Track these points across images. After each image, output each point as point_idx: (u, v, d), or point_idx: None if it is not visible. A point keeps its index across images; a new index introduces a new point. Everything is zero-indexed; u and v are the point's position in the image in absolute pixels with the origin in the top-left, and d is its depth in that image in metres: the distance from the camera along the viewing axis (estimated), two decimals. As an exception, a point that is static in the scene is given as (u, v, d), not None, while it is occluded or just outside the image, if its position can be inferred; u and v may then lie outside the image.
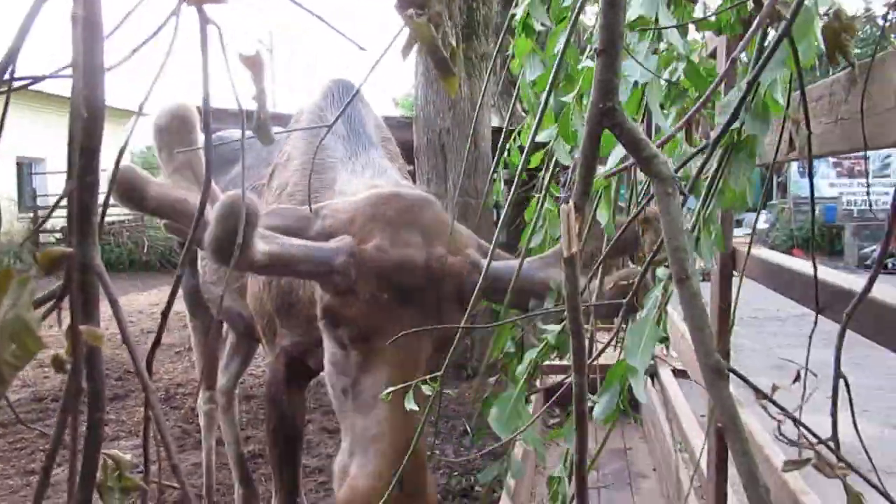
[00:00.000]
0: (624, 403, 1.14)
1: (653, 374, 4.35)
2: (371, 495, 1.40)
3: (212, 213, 1.30)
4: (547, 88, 1.05)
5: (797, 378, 1.12)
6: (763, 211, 18.86)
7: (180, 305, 3.89)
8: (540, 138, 1.65)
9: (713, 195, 0.95)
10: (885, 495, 0.56)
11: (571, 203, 0.58)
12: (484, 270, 1.34)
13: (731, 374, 0.59)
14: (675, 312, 3.75)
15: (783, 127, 1.17)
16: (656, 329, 0.94)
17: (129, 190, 1.47)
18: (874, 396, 5.83)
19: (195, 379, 3.83)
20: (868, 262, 14.12)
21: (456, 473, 4.29)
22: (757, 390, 0.60)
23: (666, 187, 0.56)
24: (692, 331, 0.54)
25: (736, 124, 0.88)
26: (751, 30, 0.75)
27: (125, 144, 0.83)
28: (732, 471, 2.32)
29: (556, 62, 1.03)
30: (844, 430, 0.90)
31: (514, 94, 1.85)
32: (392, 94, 29.47)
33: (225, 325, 3.72)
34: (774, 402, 0.59)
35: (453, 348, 1.25)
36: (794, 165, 17.17)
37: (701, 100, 0.78)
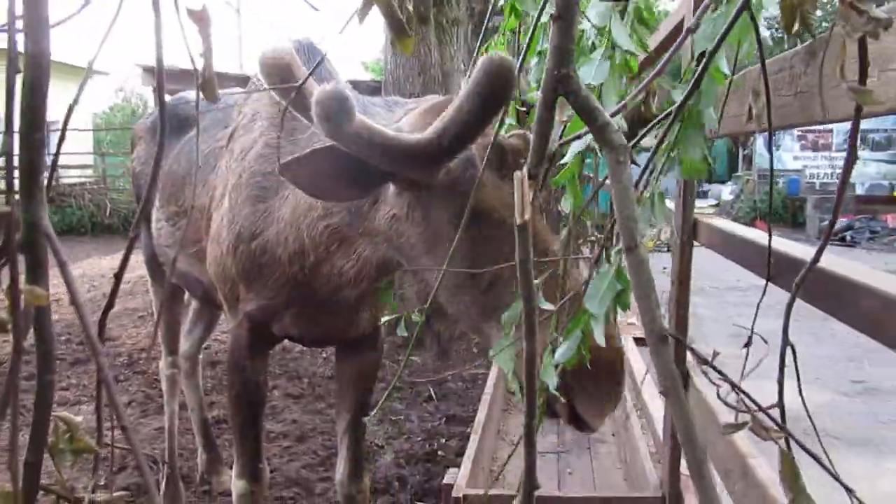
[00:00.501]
0: (585, 349, 1.18)
1: (615, 341, 4.41)
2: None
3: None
4: (521, 54, 1.06)
5: (747, 344, 1.16)
6: (728, 183, 19.12)
7: (145, 270, 3.85)
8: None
9: (665, 165, 0.96)
10: (815, 458, 0.58)
11: (525, 170, 0.58)
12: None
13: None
14: (638, 282, 3.81)
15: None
16: (615, 282, 0.96)
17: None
18: (826, 365, 6.03)
19: (159, 344, 3.78)
20: (827, 234, 14.44)
21: (419, 439, 4.35)
22: (698, 356, 0.62)
23: (618, 156, 0.57)
24: (638, 298, 0.55)
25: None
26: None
27: (75, 101, 0.80)
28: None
29: (532, 28, 1.03)
30: (796, 398, 0.92)
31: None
32: (362, 57, 29.02)
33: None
34: (715, 368, 0.61)
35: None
36: (760, 138, 17.41)
37: (656, 70, 0.79)
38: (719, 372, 0.61)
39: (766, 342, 1.09)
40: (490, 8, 2.03)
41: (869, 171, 16.87)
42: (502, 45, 2.01)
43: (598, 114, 0.58)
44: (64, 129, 0.84)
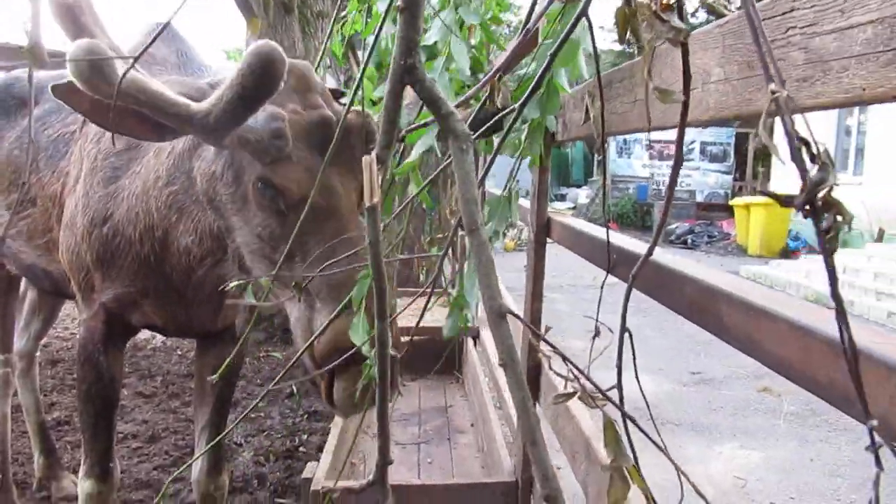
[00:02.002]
0: (464, 324, 1.29)
1: (475, 336, 4.56)
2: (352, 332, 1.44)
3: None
4: (371, 44, 1.09)
5: (595, 335, 1.25)
6: (584, 186, 20.15)
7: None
8: (376, 94, 1.70)
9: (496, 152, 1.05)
10: (641, 429, 0.65)
11: (374, 155, 0.61)
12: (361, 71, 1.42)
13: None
14: (503, 287, 3.96)
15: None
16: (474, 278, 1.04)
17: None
18: (669, 357, 6.52)
19: (-11, 342, 3.48)
20: (672, 237, 15.58)
21: (280, 435, 4.27)
22: (535, 332, 0.67)
23: (461, 143, 0.60)
24: (480, 277, 0.59)
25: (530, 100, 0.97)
26: (542, 5, 0.81)
27: None
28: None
29: (381, 20, 1.06)
30: (645, 387, 1.01)
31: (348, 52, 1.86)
32: (223, 45, 27.95)
33: (23, 283, 3.42)
34: (546, 341, 0.66)
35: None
36: (613, 145, 18.48)
37: (495, 68, 0.84)
38: (550, 344, 0.66)
39: (612, 333, 1.18)
40: None
41: (707, 181, 18.38)
42: (358, 25, 2.04)
43: (443, 103, 0.61)
44: None
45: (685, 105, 0.97)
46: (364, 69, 1.37)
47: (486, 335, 4.53)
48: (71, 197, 2.16)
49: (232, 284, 1.50)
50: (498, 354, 0.59)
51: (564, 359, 0.64)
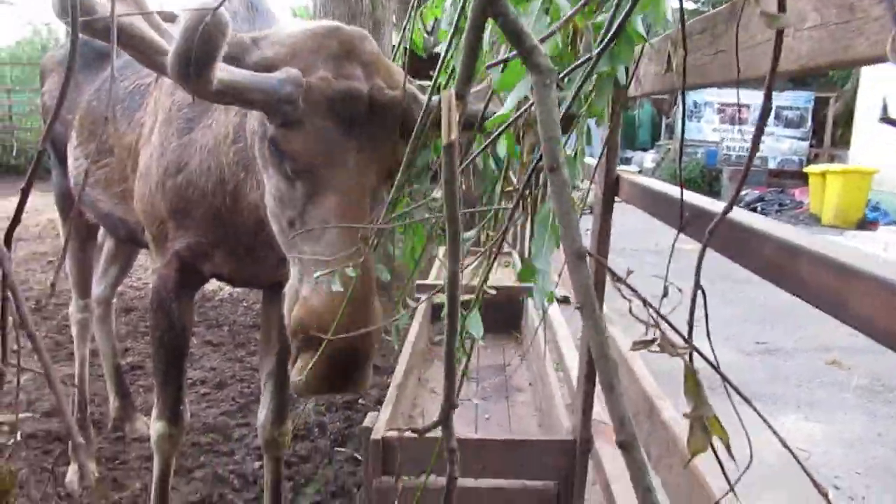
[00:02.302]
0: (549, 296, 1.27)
1: (530, 295, 4.52)
2: (323, 312, 1.45)
3: (179, 24, 1.24)
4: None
5: (664, 296, 1.21)
6: (651, 151, 19.62)
7: (55, 213, 3.67)
8: (438, 49, 1.65)
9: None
10: (721, 374, 0.63)
11: (452, 90, 0.59)
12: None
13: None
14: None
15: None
16: (553, 238, 1.03)
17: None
18: (733, 325, 6.36)
19: (69, 289, 3.65)
20: (740, 204, 15.08)
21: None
22: (613, 273, 0.65)
23: (544, 79, 0.58)
24: (560, 217, 0.57)
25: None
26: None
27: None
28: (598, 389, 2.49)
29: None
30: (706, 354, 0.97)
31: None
32: (290, 3, 28.05)
33: (101, 232, 3.55)
34: (627, 284, 0.64)
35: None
36: (682, 109, 17.87)
37: (571, 12, 0.80)
38: (631, 288, 0.64)
39: (680, 291, 1.14)
40: None
41: (781, 147, 17.64)
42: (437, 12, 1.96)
43: (526, 37, 0.59)
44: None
45: (776, 56, 0.91)
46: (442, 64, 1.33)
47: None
48: (146, 147, 2.22)
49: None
50: (575, 296, 0.57)
51: (645, 303, 0.62)
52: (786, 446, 0.59)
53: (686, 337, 0.66)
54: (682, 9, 0.96)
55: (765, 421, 0.64)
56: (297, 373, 1.48)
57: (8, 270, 0.63)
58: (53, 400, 3.93)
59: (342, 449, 3.64)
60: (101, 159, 2.50)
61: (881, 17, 0.84)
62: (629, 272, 0.66)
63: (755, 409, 0.64)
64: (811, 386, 5.14)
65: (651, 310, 0.61)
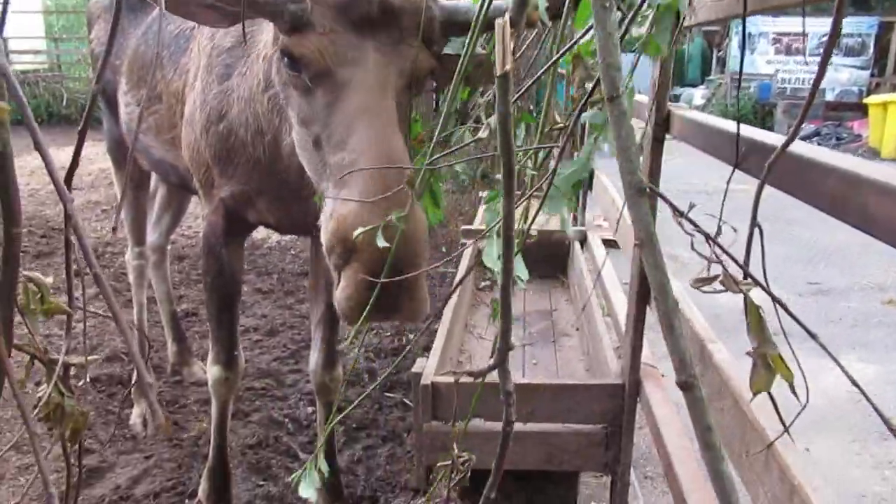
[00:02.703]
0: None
1: (582, 240, 4.49)
2: (354, 216, 1.32)
3: None
4: None
5: (717, 234, 1.18)
6: (700, 87, 18.97)
7: (107, 162, 3.74)
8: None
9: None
10: (782, 305, 0.60)
11: (507, 17, 0.56)
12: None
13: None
14: (609, 182, 3.83)
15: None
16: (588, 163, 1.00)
17: None
18: (785, 266, 6.22)
19: (125, 238, 3.74)
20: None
21: (388, 334, 4.44)
22: (674, 208, 0.62)
23: (603, 1, 0.55)
24: (619, 150, 0.55)
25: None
26: None
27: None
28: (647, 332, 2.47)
29: None
30: (757, 298, 0.94)
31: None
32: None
33: (153, 180, 3.61)
34: (690, 219, 0.62)
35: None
36: (735, 41, 17.15)
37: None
38: (693, 223, 0.62)
39: (735, 231, 1.11)
40: None
41: (840, 77, 16.83)
42: None
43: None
44: (5, 9, 0.79)
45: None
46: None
47: (594, 239, 4.45)
48: (191, 93, 2.22)
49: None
50: (635, 233, 0.55)
51: (707, 237, 0.60)
52: (855, 384, 0.57)
53: (748, 272, 0.64)
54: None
55: (831, 355, 0.61)
56: (340, 295, 1.35)
57: (71, 211, 0.64)
58: (115, 344, 4.07)
59: (391, 395, 3.71)
60: (150, 105, 2.52)
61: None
62: (691, 205, 0.63)
63: (821, 344, 0.62)
64: (866, 326, 5.03)
65: (714, 245, 0.59)
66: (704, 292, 0.69)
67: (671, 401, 2.22)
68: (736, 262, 0.61)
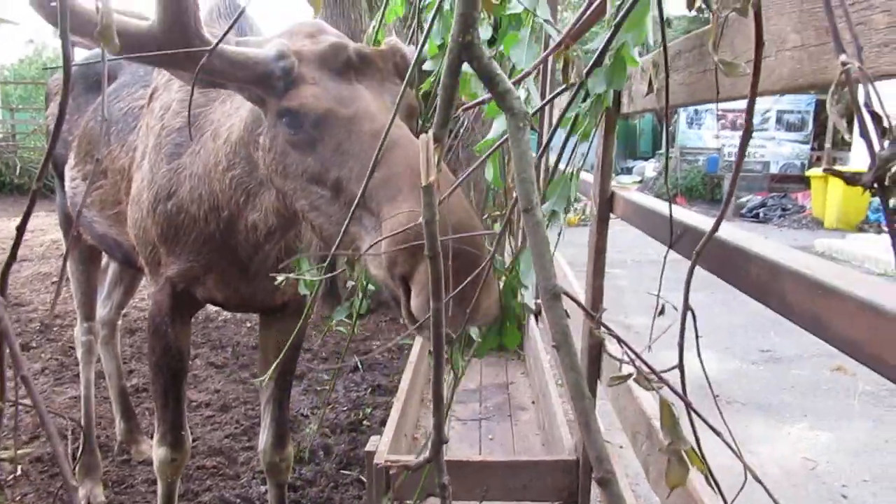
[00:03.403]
0: (517, 310, 1.25)
1: (537, 313, 4.54)
2: (416, 219, 1.20)
3: None
4: (432, 14, 1.09)
5: (660, 313, 1.22)
6: (652, 160, 19.65)
7: (59, 233, 3.70)
8: (427, 66, 1.69)
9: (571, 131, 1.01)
10: (687, 404, 0.63)
11: (431, 133, 0.60)
12: (416, 54, 1.39)
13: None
14: (562, 259, 3.91)
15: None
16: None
17: None
18: (736, 334, 6.35)
19: (74, 310, 3.66)
20: (743, 210, 15.08)
21: (345, 408, 4.37)
22: (589, 314, 0.66)
23: (518, 122, 0.59)
24: (534, 257, 0.58)
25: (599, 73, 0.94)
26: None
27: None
28: (600, 403, 2.49)
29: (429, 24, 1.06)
30: (711, 366, 0.98)
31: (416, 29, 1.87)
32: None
33: (105, 254, 3.57)
34: (602, 324, 0.65)
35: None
36: (683, 116, 17.91)
37: (560, 38, 0.82)
38: (606, 328, 0.65)
39: (676, 310, 1.15)
40: None
41: (783, 151, 17.64)
42: (401, 9, 2.05)
43: (500, 80, 0.60)
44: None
45: (756, 76, 0.92)
46: (423, 45, 1.36)
47: (549, 311, 4.49)
48: (138, 172, 2.23)
49: (280, 279, 1.47)
50: (552, 335, 0.58)
51: (619, 341, 0.63)
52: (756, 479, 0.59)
53: (657, 372, 0.67)
54: (663, 34, 0.98)
55: (724, 441, 0.64)
56: (417, 303, 1.24)
57: (1, 314, 0.64)
58: (59, 422, 3.92)
59: (347, 472, 3.63)
60: (96, 181, 2.52)
61: (851, 42, 0.85)
62: (602, 310, 0.66)
63: (723, 439, 0.65)
64: (817, 393, 5.12)
65: (625, 347, 0.62)
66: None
67: (626, 474, 2.23)
68: (645, 363, 0.64)
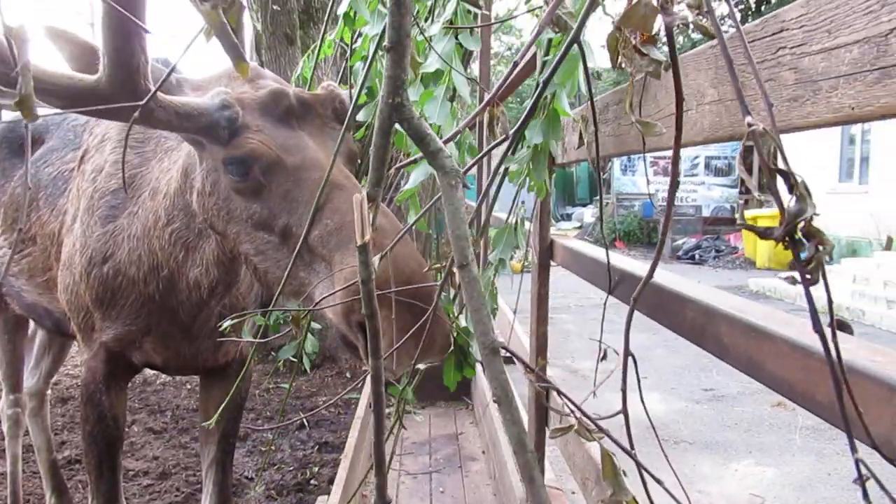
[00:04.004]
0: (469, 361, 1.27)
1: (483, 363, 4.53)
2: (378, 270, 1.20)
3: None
4: (366, 66, 1.11)
5: (603, 358, 1.24)
6: (590, 206, 20.14)
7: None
8: (360, 117, 1.72)
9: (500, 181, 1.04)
10: (628, 452, 0.64)
11: (364, 193, 0.61)
12: (353, 102, 1.47)
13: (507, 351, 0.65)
14: (506, 307, 3.94)
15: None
16: (490, 302, 1.05)
17: None
18: (680, 375, 6.47)
19: (0, 382, 3.48)
20: (679, 253, 15.53)
21: (291, 468, 4.24)
22: (526, 365, 0.66)
23: (450, 180, 0.61)
24: (471, 312, 0.59)
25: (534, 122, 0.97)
26: (533, 34, 0.82)
27: None
28: (550, 449, 2.49)
29: (374, 45, 1.09)
30: (656, 406, 0.99)
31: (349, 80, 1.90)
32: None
33: (32, 323, 3.43)
34: (541, 376, 0.65)
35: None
36: (617, 164, 18.50)
37: (488, 98, 0.84)
38: (544, 380, 0.65)
39: (618, 355, 1.17)
40: (329, 10, 2.13)
41: (713, 195, 18.35)
42: (330, 49, 2.11)
43: (431, 140, 0.61)
44: None
45: (678, 129, 0.97)
46: (357, 97, 1.39)
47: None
48: (69, 236, 2.17)
49: (226, 324, 1.46)
50: (491, 390, 0.58)
51: (559, 392, 0.63)
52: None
53: (597, 423, 0.67)
54: (590, 91, 1.02)
55: (665, 489, 0.65)
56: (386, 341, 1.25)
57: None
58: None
59: (295, 534, 3.51)
60: (24, 248, 2.44)
61: (762, 97, 0.90)
62: (543, 363, 0.67)
63: (655, 478, 0.65)
64: (760, 430, 5.23)
65: (565, 399, 0.62)
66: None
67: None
68: (586, 415, 0.65)
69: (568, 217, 19.81)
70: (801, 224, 0.39)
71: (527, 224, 2.74)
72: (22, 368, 3.44)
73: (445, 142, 0.64)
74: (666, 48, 0.74)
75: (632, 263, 1.51)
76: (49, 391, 3.76)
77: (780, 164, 0.43)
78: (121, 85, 1.29)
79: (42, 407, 3.62)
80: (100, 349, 2.12)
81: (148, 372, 5.92)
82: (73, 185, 2.25)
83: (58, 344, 3.64)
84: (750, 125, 0.45)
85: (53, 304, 2.36)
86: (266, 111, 1.61)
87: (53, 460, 3.62)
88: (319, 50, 2.14)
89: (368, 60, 1.15)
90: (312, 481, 4.04)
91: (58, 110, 1.67)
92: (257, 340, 1.57)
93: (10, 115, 2.83)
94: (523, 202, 1.72)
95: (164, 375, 6.14)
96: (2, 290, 2.62)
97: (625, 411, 0.97)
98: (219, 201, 1.66)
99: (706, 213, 18.05)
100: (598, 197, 20.08)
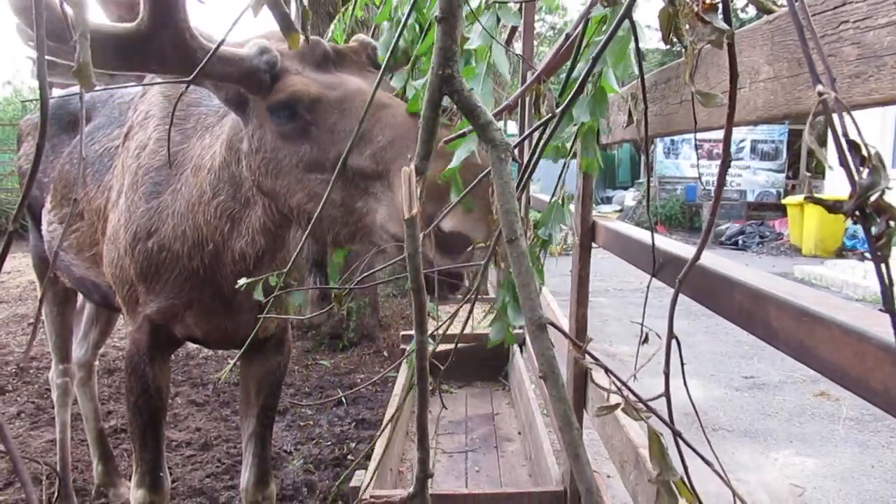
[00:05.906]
0: (508, 333, 1.28)
1: (521, 343, 4.52)
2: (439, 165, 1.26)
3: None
4: (391, 46, 1.11)
5: (644, 342, 1.22)
6: (631, 189, 19.86)
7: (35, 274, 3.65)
8: (394, 83, 1.72)
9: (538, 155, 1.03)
10: (676, 433, 0.63)
11: (413, 165, 0.60)
12: (393, 42, 1.48)
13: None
14: (545, 288, 3.91)
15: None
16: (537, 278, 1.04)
17: None
18: (720, 362, 6.37)
19: (50, 352, 3.60)
20: (722, 238, 15.24)
21: (329, 443, 4.31)
22: (576, 343, 0.65)
23: (499, 153, 0.60)
24: (519, 287, 0.58)
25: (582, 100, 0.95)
26: (586, 7, 0.80)
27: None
28: (585, 433, 2.48)
29: (403, 21, 1.09)
30: (698, 393, 0.98)
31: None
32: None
33: (80, 295, 3.52)
34: (589, 353, 0.64)
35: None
36: (660, 146, 18.18)
37: (536, 73, 0.83)
38: (593, 357, 0.64)
39: (660, 338, 1.15)
40: None
41: (759, 180, 17.92)
42: (360, 11, 2.13)
43: (481, 112, 0.61)
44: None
45: (731, 106, 0.94)
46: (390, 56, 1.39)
47: (533, 341, 4.48)
48: (114, 211, 2.21)
49: (242, 282, 1.45)
50: (538, 366, 0.57)
51: (607, 371, 0.63)
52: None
53: (645, 401, 0.66)
54: (640, 67, 0.99)
55: (715, 471, 0.63)
56: (455, 223, 1.28)
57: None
58: (36, 468, 3.82)
59: (332, 508, 3.57)
60: (73, 223, 2.50)
61: (824, 73, 0.87)
62: (589, 339, 0.66)
63: (713, 469, 0.64)
64: (801, 419, 5.13)
65: (612, 377, 0.62)
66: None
67: (614, 506, 2.21)
68: (634, 393, 0.64)
69: (608, 200, 19.57)
70: (873, 198, 0.38)
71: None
72: (70, 339, 3.54)
73: (495, 115, 0.63)
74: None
75: (677, 245, 1.48)
76: (96, 362, 3.87)
77: (853, 137, 0.41)
78: (161, 19, 1.30)
79: (90, 377, 3.73)
80: (144, 322, 2.16)
81: (191, 346, 6.05)
82: (118, 161, 2.29)
83: (105, 316, 3.73)
84: (821, 93, 0.43)
85: (101, 277, 2.41)
86: (304, 58, 1.66)
87: (100, 429, 3.73)
88: (353, 10, 2.15)
89: (402, 24, 1.15)
90: (349, 456, 4.10)
91: (110, 84, 1.70)
92: (297, 317, 1.58)
93: (58, 92, 2.89)
94: (565, 182, 1.70)
95: (206, 350, 6.27)
96: (52, 265, 2.69)
97: (667, 394, 0.96)
98: (266, 154, 1.68)
99: (750, 198, 17.64)
100: (640, 180, 19.81)
